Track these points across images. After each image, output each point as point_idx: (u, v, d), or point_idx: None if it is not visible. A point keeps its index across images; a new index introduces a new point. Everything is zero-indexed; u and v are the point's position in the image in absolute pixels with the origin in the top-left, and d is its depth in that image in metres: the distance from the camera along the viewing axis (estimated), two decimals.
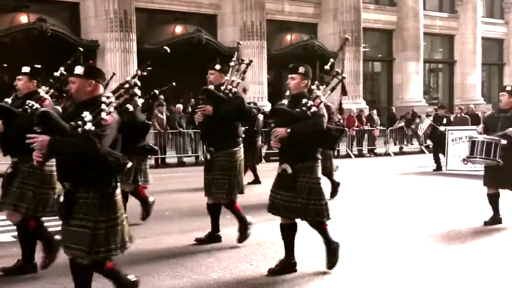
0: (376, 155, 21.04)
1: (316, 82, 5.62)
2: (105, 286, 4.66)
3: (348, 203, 10.07)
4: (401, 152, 21.46)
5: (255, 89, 23.38)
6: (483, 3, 33.73)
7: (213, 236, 6.77)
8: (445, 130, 15.27)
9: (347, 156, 20.07)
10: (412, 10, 28.99)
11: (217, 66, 6.66)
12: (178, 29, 22.98)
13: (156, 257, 6.10)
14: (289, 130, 5.20)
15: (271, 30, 24.70)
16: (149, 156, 8.04)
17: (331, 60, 6.02)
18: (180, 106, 18.47)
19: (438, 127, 15.71)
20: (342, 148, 20.40)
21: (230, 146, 6.45)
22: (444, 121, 15.93)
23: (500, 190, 7.84)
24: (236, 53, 6.79)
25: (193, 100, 20.35)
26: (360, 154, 20.68)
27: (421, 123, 18.25)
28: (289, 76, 5.59)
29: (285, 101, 5.53)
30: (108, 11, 20.04)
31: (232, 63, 6.76)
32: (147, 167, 7.97)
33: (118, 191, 4.22)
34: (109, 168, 4.01)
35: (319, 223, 5.45)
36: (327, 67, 5.85)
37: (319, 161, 5.44)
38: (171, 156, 17.39)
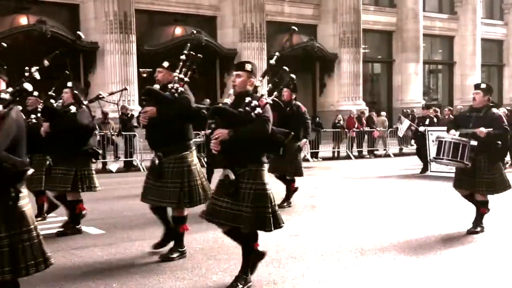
0: (376, 156, 21.03)
1: (260, 78, 5.18)
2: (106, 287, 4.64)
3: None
4: (401, 153, 21.44)
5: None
6: (483, 4, 33.75)
7: (167, 238, 6.37)
8: (425, 131, 14.74)
9: (347, 157, 20.07)
10: (412, 12, 29.01)
11: (165, 63, 6.12)
12: (178, 30, 22.98)
13: (156, 259, 6.08)
14: (231, 133, 4.82)
15: (271, 32, 24.71)
16: (93, 160, 7.54)
17: (277, 53, 5.55)
18: None
19: (417, 127, 15.34)
20: (342, 149, 20.40)
21: (179, 150, 5.94)
22: (427, 121, 15.37)
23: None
24: (187, 45, 6.13)
25: None
26: (360, 156, 20.68)
27: (400, 124, 17.82)
28: (235, 73, 5.15)
29: (228, 100, 5.11)
30: (108, 13, 20.05)
31: (182, 57, 6.05)
32: (92, 172, 7.43)
33: (24, 201, 3.71)
34: (5, 175, 3.53)
35: (251, 234, 5.04)
36: (272, 61, 5.41)
37: (265, 165, 5.07)
38: None
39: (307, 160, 18.93)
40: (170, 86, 5.85)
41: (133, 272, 5.64)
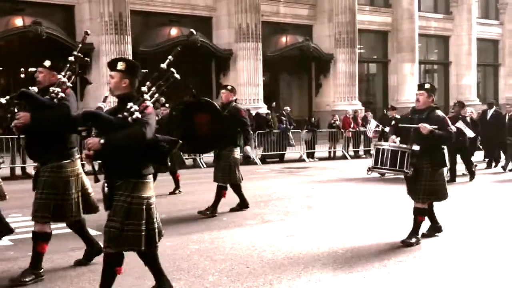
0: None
1: (148, 83, 4.59)
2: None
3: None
4: None
5: (251, 91, 23.41)
6: (478, 4, 33.85)
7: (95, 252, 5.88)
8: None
9: (344, 157, 20.07)
10: (407, 12, 29.06)
11: (47, 63, 5.58)
12: (173, 31, 22.96)
13: None
14: (102, 141, 4.28)
15: (266, 32, 24.73)
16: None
17: (170, 57, 5.00)
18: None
19: (383, 128, 14.71)
20: (339, 149, 20.40)
21: (57, 159, 5.36)
22: (392, 122, 15.17)
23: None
24: (79, 46, 5.67)
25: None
26: (356, 156, 20.68)
27: (368, 124, 17.27)
28: (109, 73, 4.63)
29: (102, 104, 4.72)
30: (103, 14, 20.02)
31: (71, 58, 5.57)
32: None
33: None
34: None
35: (114, 256, 4.48)
36: (163, 65, 4.84)
37: (149, 177, 4.58)
38: None
39: (303, 160, 18.94)
40: (51, 89, 5.34)
41: (128, 273, 5.61)
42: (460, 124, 12.51)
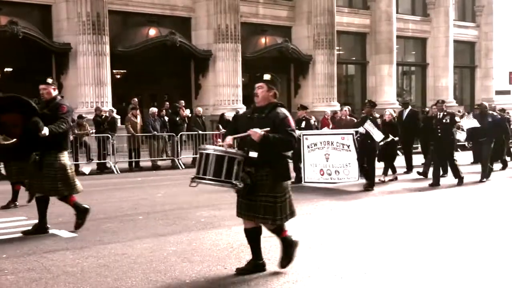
0: None
1: None
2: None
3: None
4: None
5: (230, 92, 23.38)
6: (455, 6, 34.21)
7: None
8: (300, 135, 12.65)
9: None
10: (385, 14, 29.27)
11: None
12: (152, 31, 22.85)
13: (129, 262, 6.02)
14: None
15: (245, 33, 24.72)
16: None
17: None
18: (155, 109, 18.37)
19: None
20: None
21: None
22: (303, 124, 13.41)
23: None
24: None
25: (167, 103, 20.26)
26: None
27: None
28: None
29: None
30: (80, 13, 19.85)
31: None
32: None
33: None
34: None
35: None
36: None
37: None
38: (145, 160, 17.26)
39: None
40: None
41: (106, 275, 5.58)
42: (368, 126, 11.67)
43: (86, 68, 19.97)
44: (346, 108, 17.78)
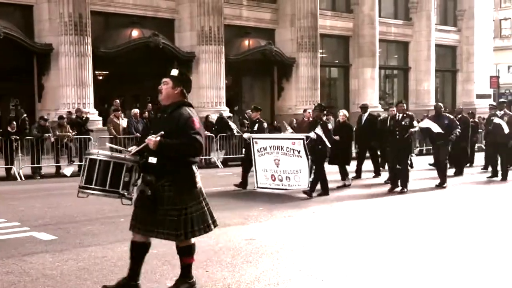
0: None
1: None
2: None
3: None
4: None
5: (213, 94, 23.35)
6: (437, 11, 34.50)
7: None
8: (249, 138, 12.38)
9: None
10: (368, 17, 29.42)
11: None
12: (135, 33, 22.72)
13: (109, 265, 5.97)
14: None
15: (229, 35, 24.68)
16: None
17: None
18: (136, 110, 18.29)
19: (241, 134, 12.75)
20: None
21: None
22: (255, 127, 12.80)
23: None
24: None
25: (150, 105, 20.17)
26: None
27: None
28: None
29: None
30: (62, 14, 19.67)
31: None
32: None
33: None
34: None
35: None
36: None
37: None
38: None
39: None
40: None
41: (85, 278, 5.53)
42: (318, 131, 11.25)
43: (68, 69, 19.80)
44: (309, 110, 17.09)
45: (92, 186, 4.72)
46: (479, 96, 35.37)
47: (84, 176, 4.75)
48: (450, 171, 15.08)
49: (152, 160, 4.67)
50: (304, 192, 11.29)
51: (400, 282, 5.48)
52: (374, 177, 14.60)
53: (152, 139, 4.61)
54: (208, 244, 6.96)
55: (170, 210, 4.72)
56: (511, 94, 48.18)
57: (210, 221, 5.03)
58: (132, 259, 4.98)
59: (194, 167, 4.84)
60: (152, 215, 4.75)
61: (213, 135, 17.95)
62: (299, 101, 26.48)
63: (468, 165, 17.09)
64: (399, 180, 12.03)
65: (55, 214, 9.02)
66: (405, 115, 12.07)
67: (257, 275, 5.62)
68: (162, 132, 4.63)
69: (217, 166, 17.71)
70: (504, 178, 14.13)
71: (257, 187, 12.30)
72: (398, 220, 8.85)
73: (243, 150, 14.24)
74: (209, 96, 23.29)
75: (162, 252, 6.54)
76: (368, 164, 14.91)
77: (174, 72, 4.94)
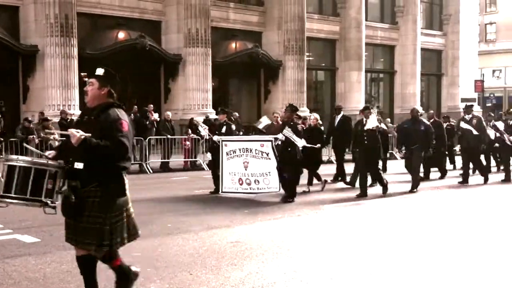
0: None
1: None
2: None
3: None
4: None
5: (200, 96, 23.32)
6: (423, 15, 34.73)
7: None
8: (219, 141, 12.03)
9: None
10: (355, 21, 29.55)
11: None
12: (121, 35, 22.65)
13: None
14: None
15: (216, 38, 24.67)
16: None
17: None
18: None
19: (211, 136, 12.44)
20: None
21: None
22: (223, 129, 12.33)
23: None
24: None
25: (136, 107, 20.10)
26: None
27: (200, 128, 14.55)
28: None
29: None
30: (48, 15, 19.57)
31: None
32: None
33: None
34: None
35: None
36: None
37: None
38: None
39: None
40: None
41: (68, 281, 5.50)
42: (286, 132, 10.85)
43: (54, 70, 19.69)
44: (278, 112, 16.66)
45: (11, 195, 4.34)
46: (464, 100, 35.53)
47: (3, 184, 4.37)
48: (436, 175, 15.18)
49: (79, 165, 4.29)
50: (284, 201, 10.79)
51: (383, 284, 5.51)
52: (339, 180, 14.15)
53: (77, 134, 4.22)
54: (192, 247, 6.95)
55: (95, 218, 4.36)
56: (495, 98, 48.60)
57: (134, 231, 4.71)
58: (83, 275, 4.67)
59: (124, 174, 4.50)
60: (77, 224, 4.40)
61: (199, 138, 17.92)
62: (286, 104, 26.35)
63: (452, 168, 17.21)
64: (380, 183, 11.96)
65: (38, 217, 8.94)
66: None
67: (241, 278, 5.61)
68: (90, 134, 4.27)
69: (203, 169, 17.68)
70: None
71: (222, 192, 11.88)
72: (382, 223, 8.89)
73: (208, 154, 13.90)
74: (195, 98, 23.26)
75: (146, 255, 6.53)
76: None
77: (99, 71, 4.59)
